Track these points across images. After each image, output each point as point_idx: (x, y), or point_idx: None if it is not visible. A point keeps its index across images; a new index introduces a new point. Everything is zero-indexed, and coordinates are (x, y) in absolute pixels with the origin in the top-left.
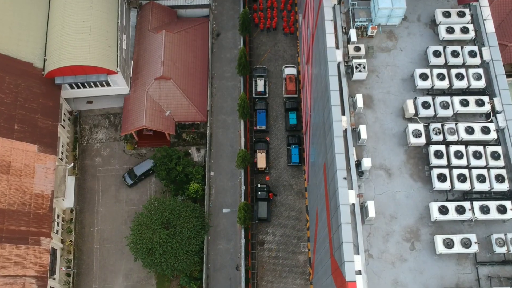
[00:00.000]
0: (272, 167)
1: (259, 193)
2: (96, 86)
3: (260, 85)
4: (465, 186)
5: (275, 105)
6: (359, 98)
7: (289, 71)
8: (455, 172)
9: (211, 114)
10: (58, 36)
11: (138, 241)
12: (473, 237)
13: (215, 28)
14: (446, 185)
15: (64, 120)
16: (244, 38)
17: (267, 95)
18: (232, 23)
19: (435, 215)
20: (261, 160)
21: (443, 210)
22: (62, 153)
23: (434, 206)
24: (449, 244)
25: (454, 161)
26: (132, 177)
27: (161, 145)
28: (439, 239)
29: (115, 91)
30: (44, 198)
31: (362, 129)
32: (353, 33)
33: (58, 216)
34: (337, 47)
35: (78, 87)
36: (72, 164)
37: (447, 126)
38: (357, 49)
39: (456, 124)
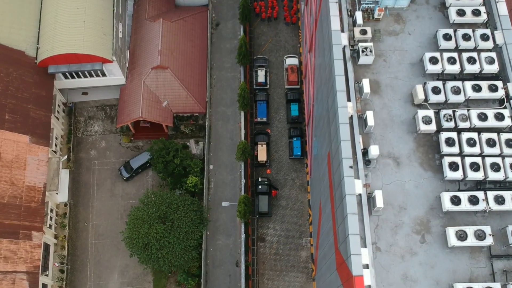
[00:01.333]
0: (273, 160)
1: (260, 186)
2: (91, 76)
3: (261, 75)
4: (479, 175)
5: (276, 96)
6: (365, 83)
7: (291, 61)
8: (468, 160)
9: (210, 106)
10: (51, 24)
11: (134, 236)
12: (487, 229)
13: (214, 18)
14: (458, 174)
15: (58, 112)
16: (244, 27)
17: (268, 86)
18: (232, 13)
19: (447, 205)
20: (261, 153)
21: (455, 201)
22: (55, 145)
23: (446, 196)
24: (462, 236)
25: (467, 149)
26: (129, 171)
27: (158, 138)
28: (451, 231)
29: (111, 82)
30: (36, 191)
31: (369, 115)
32: (359, 15)
33: (52, 210)
34: (342, 31)
35: (73, 77)
36: (66, 156)
37: (459, 112)
38: (363, 32)
39: (468, 110)
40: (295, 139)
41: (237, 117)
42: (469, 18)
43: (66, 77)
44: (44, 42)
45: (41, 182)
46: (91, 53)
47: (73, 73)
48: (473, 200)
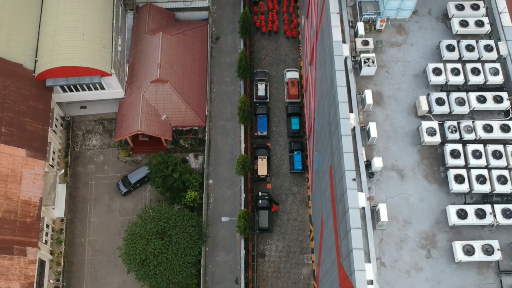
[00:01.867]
0: (274, 175)
1: (260, 201)
2: (89, 89)
3: (261, 89)
4: (485, 188)
5: (276, 110)
6: (368, 94)
7: (291, 75)
8: (474, 173)
9: (210, 120)
10: (50, 37)
11: (131, 251)
12: (495, 244)
13: (214, 32)
14: (464, 187)
15: (56, 126)
16: (244, 41)
17: (268, 100)
18: (232, 27)
19: (453, 219)
20: (262, 167)
21: (462, 214)
22: (53, 159)
23: (452, 210)
24: (469, 251)
25: (472, 161)
26: (126, 185)
27: (157, 152)
28: (458, 246)
29: (110, 95)
30: (32, 205)
31: (372, 127)
32: (360, 26)
33: (48, 225)
34: (344, 41)
35: (71, 90)
36: (63, 170)
37: (464, 123)
38: (365, 43)
39: (473, 121)
40: (295, 153)
41: (237, 131)
42: (472, 29)
43: (64, 91)
44: (42, 55)
45: (37, 196)
46: (89, 66)
47: (72, 87)
48: (480, 214)
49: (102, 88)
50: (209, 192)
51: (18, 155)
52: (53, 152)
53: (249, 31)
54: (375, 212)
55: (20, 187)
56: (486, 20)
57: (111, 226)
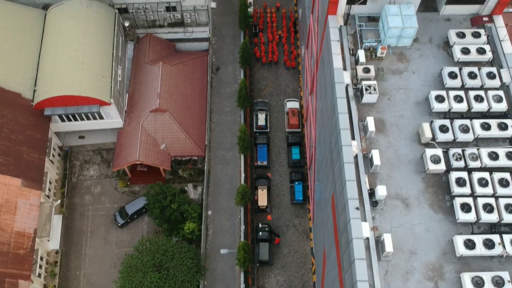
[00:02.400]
0: (274, 205)
1: (260, 233)
2: (88, 118)
3: (261, 119)
4: (493, 218)
5: (277, 140)
6: (370, 122)
7: (292, 105)
8: (480, 201)
9: (209, 149)
10: (50, 66)
11: (127, 285)
12: (505, 275)
13: (214, 62)
14: (471, 216)
15: (53, 155)
16: (244, 71)
17: (268, 130)
18: (232, 58)
19: (461, 250)
20: (262, 198)
21: (470, 245)
22: (49, 190)
23: (459, 240)
24: (478, 283)
25: (479, 190)
26: (124, 217)
27: (155, 182)
28: (466, 277)
29: (108, 125)
30: (26, 237)
31: (375, 154)
32: (361, 54)
33: (42, 258)
34: (345, 69)
35: (69, 119)
36: (59, 201)
37: (469, 151)
38: (367, 70)
39: (478, 149)
40: (296, 183)
41: (237, 161)
42: (474, 56)
43: (62, 120)
44: (41, 84)
45: (32, 227)
46: (88, 95)
47: (70, 116)
48: (489, 244)
49: (101, 117)
50: (208, 223)
51: (14, 185)
52: (50, 182)
53: (249, 61)
54: (379, 243)
55: (14, 217)
56: (487, 47)
57: (107, 259)
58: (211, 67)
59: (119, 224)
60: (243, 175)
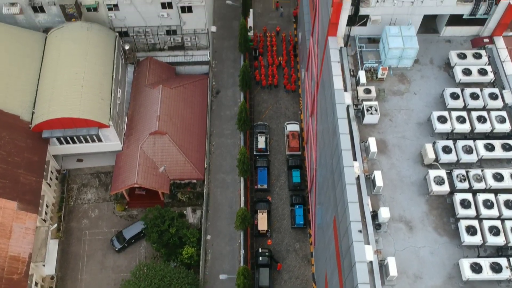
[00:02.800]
0: (274, 230)
1: (260, 258)
2: (86, 141)
3: (261, 141)
4: (499, 240)
5: (277, 163)
6: (372, 142)
7: (292, 127)
8: (486, 224)
9: (209, 172)
10: (49, 88)
11: None
12: None
13: (214, 86)
14: (476, 239)
15: (51, 179)
16: (244, 94)
17: (268, 152)
18: (232, 81)
19: (467, 274)
20: (262, 222)
21: (476, 268)
22: (46, 213)
23: (465, 263)
24: None
25: (484, 212)
26: (121, 241)
27: (154, 205)
28: None
29: (107, 147)
30: (20, 261)
31: (377, 175)
32: (362, 74)
33: (36, 283)
34: (345, 90)
35: (68, 142)
36: (56, 225)
37: (473, 172)
38: (368, 91)
39: (482, 170)
40: (297, 206)
41: (236, 184)
42: (475, 77)
43: (60, 143)
44: (40, 107)
45: (27, 252)
46: (87, 118)
47: (68, 138)
48: (496, 268)
49: (100, 140)
50: (207, 248)
51: (9, 208)
52: (46, 206)
53: (249, 84)
54: (383, 267)
55: (8, 242)
56: (489, 68)
57: (103, 284)
58: (211, 90)
59: (116, 249)
60: (243, 198)
